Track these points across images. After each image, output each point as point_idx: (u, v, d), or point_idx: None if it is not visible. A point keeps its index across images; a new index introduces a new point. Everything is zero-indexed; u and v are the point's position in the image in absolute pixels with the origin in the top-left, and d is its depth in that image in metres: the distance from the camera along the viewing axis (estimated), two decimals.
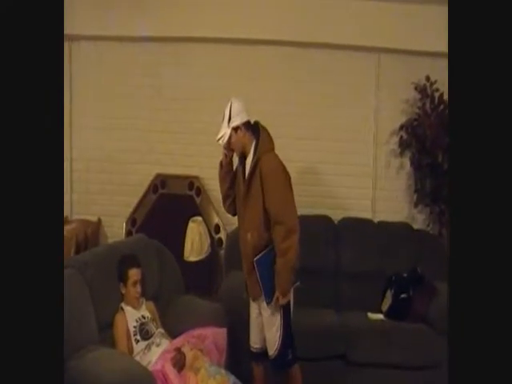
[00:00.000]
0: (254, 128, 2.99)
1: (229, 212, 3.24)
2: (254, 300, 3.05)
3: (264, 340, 3.06)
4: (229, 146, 3.02)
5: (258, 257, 2.91)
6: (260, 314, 3.03)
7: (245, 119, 2.97)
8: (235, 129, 2.94)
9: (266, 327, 2.99)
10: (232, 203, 3.15)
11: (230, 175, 3.12)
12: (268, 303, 2.92)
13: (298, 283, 2.98)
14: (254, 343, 3.12)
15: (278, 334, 2.94)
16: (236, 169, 3.11)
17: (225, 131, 2.95)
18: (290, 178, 2.95)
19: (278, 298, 2.88)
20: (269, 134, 3.00)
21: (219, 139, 2.96)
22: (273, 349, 2.96)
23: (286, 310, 2.95)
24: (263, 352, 3.08)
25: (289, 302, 2.96)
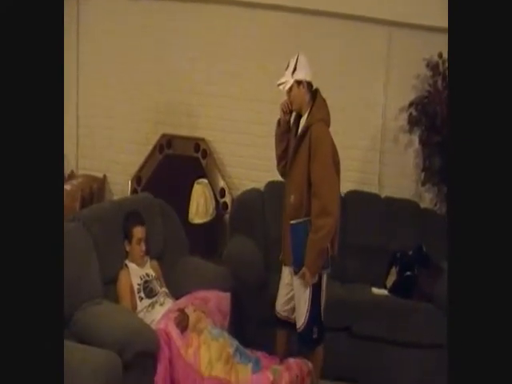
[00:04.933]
0: (313, 93, 2.95)
1: (281, 175, 3.16)
2: (285, 264, 3.04)
3: (291, 311, 3.04)
4: (286, 106, 2.98)
5: (294, 222, 2.89)
6: (291, 282, 3.00)
7: (308, 78, 2.93)
8: (298, 82, 2.90)
9: (295, 296, 2.98)
10: (286, 166, 3.07)
11: (286, 136, 3.06)
12: (295, 272, 2.91)
13: (328, 271, 2.95)
14: (281, 310, 3.10)
15: (306, 307, 2.91)
16: (291, 127, 3.05)
17: (287, 79, 2.91)
18: (337, 157, 2.92)
19: (304, 274, 2.86)
20: (326, 104, 2.96)
21: (280, 85, 2.92)
22: (300, 321, 2.94)
23: (316, 289, 2.91)
24: (288, 321, 3.06)
25: (320, 284, 2.93)
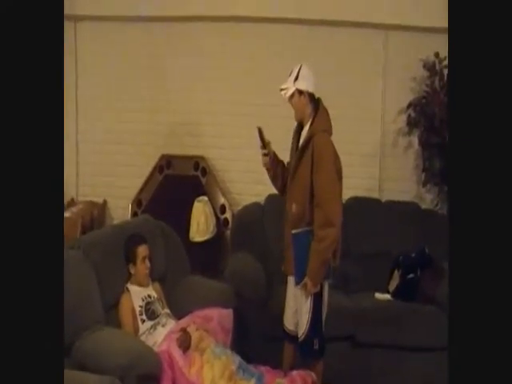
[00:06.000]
0: (315, 103, 2.97)
1: (281, 194, 3.20)
2: (288, 274, 3.04)
3: (297, 324, 3.02)
4: (269, 163, 3.03)
5: (296, 231, 2.90)
6: (295, 295, 3.00)
7: (310, 89, 2.94)
8: (300, 92, 2.92)
9: (298, 306, 2.97)
10: (284, 186, 3.12)
11: (280, 175, 3.10)
12: (297, 283, 2.91)
13: (330, 281, 2.95)
14: (288, 324, 3.09)
15: (307, 317, 2.91)
16: (292, 137, 3.08)
17: (289, 86, 2.93)
18: (340, 166, 2.94)
19: (306, 284, 2.86)
20: (328, 114, 2.98)
21: (282, 90, 2.94)
22: (301, 331, 2.94)
23: (317, 299, 2.92)
24: (295, 336, 3.03)
25: (321, 294, 2.93)
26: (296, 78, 2.91)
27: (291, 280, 3.03)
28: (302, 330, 2.93)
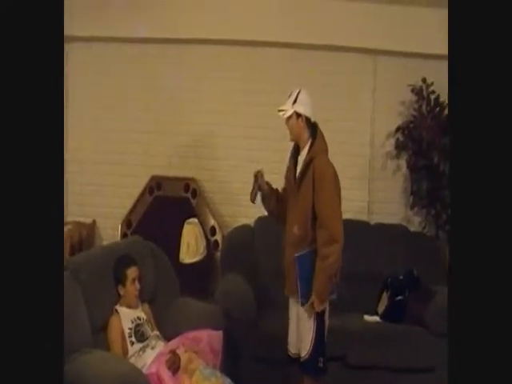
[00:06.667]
0: (312, 128, 3.02)
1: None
2: (291, 296, 3.04)
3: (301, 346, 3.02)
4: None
5: (299, 253, 2.92)
6: (298, 316, 3.00)
7: (308, 113, 3.00)
8: (297, 115, 2.98)
9: (301, 326, 2.98)
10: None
11: (273, 199, 3.15)
12: (303, 304, 2.92)
13: (334, 296, 2.98)
14: (293, 349, 3.06)
15: (311, 337, 2.92)
16: (289, 160, 3.13)
17: (287, 108, 2.99)
18: (339, 186, 2.98)
19: (312, 303, 2.87)
20: (324, 137, 3.04)
21: (280, 111, 3.00)
22: (305, 351, 2.95)
23: (320, 318, 2.93)
24: (299, 358, 3.02)
25: (324, 311, 2.95)
26: (295, 101, 2.98)
27: (293, 302, 3.04)
28: (306, 349, 2.93)
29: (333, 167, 2.96)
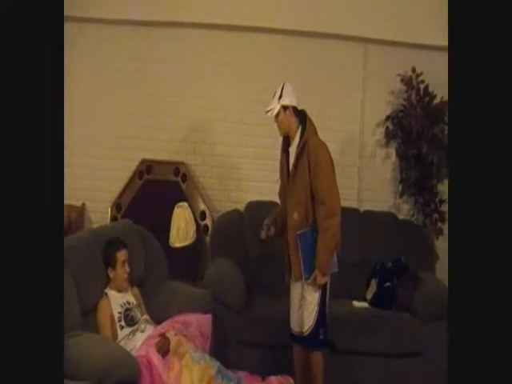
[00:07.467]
0: (300, 115, 3.10)
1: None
2: (296, 280, 3.11)
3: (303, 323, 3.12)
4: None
5: (301, 231, 3.01)
6: (302, 295, 3.09)
7: (294, 103, 3.09)
8: (284, 108, 3.05)
9: (304, 305, 3.07)
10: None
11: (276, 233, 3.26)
12: (306, 279, 3.00)
13: (336, 269, 3.08)
14: (295, 327, 3.17)
15: (315, 311, 3.03)
16: (281, 153, 3.22)
17: (274, 106, 3.07)
18: (333, 164, 3.08)
19: (316, 277, 2.97)
20: (312, 122, 3.12)
21: (268, 111, 3.09)
22: (307, 326, 3.06)
23: (323, 290, 3.05)
24: (301, 334, 3.13)
25: (326, 284, 3.05)
26: (280, 97, 3.07)
27: (296, 285, 3.12)
28: (309, 324, 3.05)
29: (326, 145, 3.05)
